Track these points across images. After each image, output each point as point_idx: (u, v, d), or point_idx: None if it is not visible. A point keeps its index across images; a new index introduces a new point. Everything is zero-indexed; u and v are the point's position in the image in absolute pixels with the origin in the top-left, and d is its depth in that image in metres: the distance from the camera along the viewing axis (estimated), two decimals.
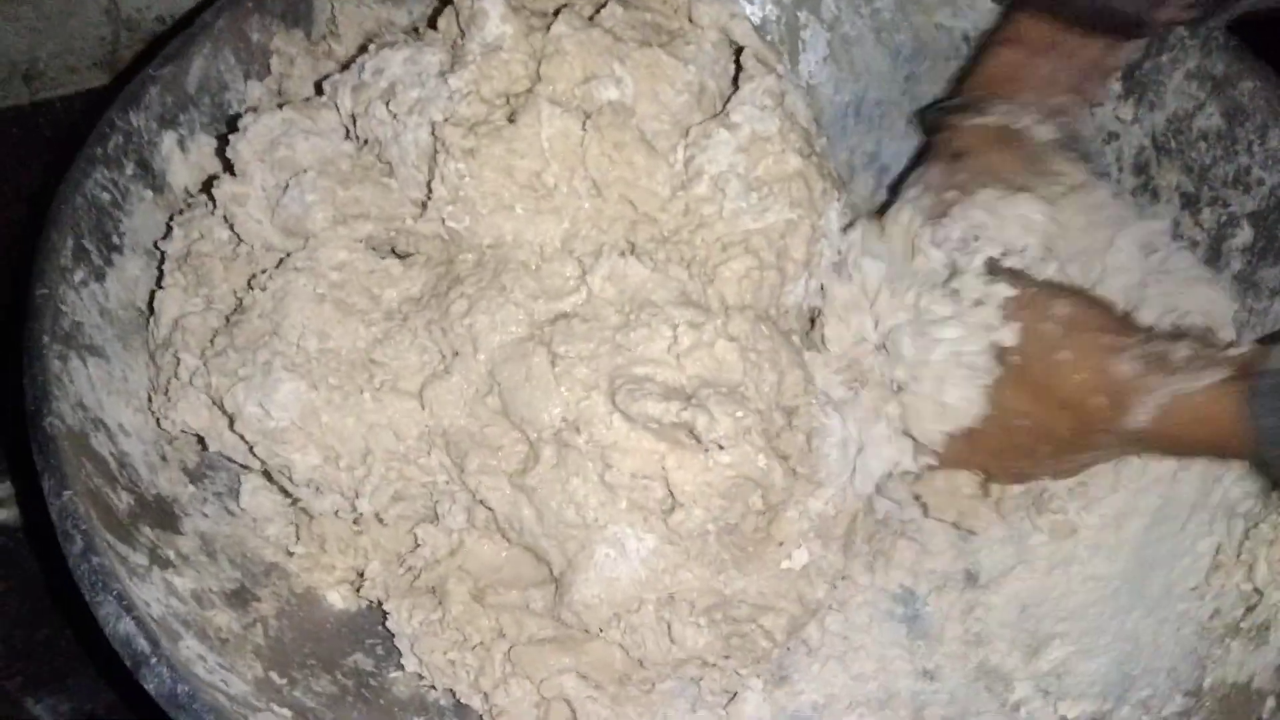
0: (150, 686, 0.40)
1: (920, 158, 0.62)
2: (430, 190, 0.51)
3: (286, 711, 0.46)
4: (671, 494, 0.49)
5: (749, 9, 0.79)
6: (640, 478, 0.49)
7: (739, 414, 0.47)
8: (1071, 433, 0.51)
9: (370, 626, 0.56)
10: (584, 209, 0.51)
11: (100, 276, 0.54)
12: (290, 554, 0.56)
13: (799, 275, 0.54)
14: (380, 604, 0.55)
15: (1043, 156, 0.57)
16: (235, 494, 0.56)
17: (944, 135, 0.59)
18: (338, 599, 0.56)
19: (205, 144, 0.60)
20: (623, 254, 0.50)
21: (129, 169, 0.56)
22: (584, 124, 0.50)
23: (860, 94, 0.80)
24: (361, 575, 0.56)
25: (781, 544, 0.52)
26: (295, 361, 0.50)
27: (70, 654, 0.64)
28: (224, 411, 0.49)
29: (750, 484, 0.49)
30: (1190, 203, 0.64)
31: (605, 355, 0.49)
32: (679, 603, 0.51)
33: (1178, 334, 0.51)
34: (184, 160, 0.59)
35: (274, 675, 0.49)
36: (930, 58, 0.78)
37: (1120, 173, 0.68)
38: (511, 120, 0.51)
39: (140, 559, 0.46)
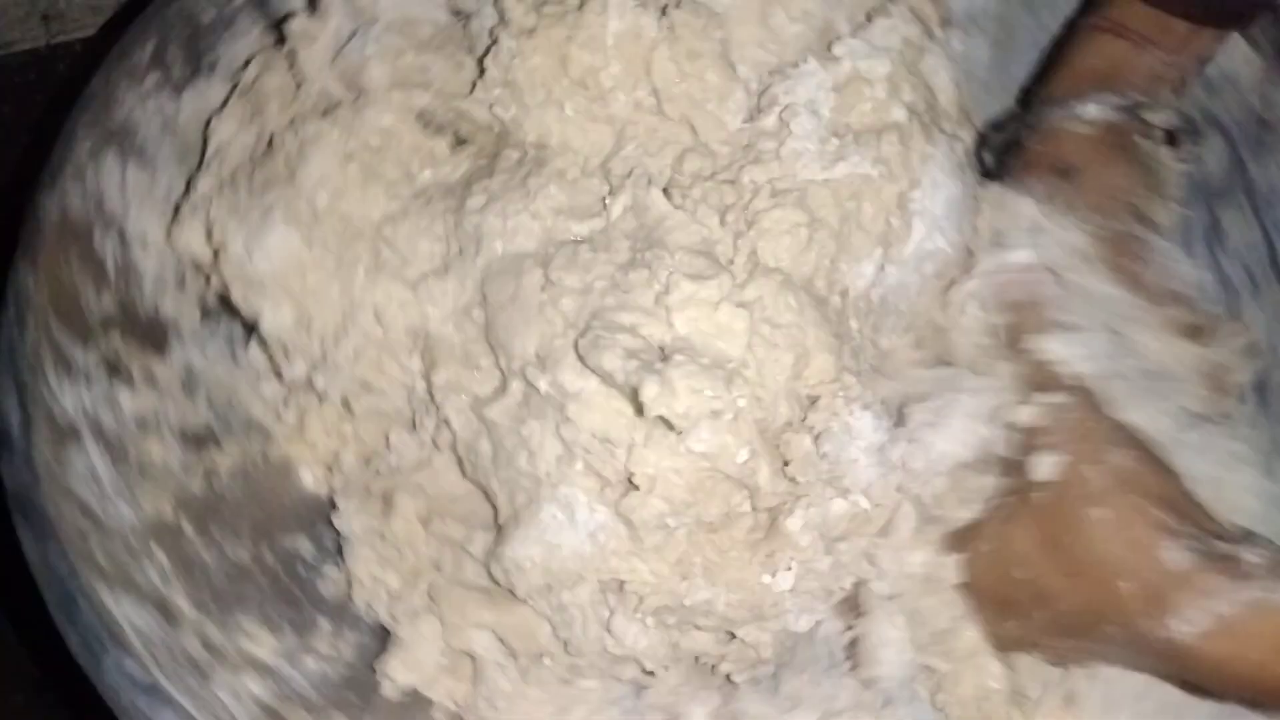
0: (3, 474, 0.38)
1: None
2: (483, 68, 0.46)
3: (164, 557, 0.43)
4: (632, 472, 0.42)
5: None
6: (602, 440, 0.42)
7: (708, 393, 0.39)
8: (1075, 610, 0.39)
9: (328, 515, 0.53)
10: (639, 124, 0.45)
11: (178, 89, 0.53)
12: (279, 419, 0.53)
13: (868, 251, 0.44)
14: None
15: (1155, 170, 0.45)
16: (245, 343, 0.54)
17: (1040, 144, 0.47)
18: (310, 478, 0.53)
19: None
20: (650, 182, 0.43)
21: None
22: (661, 27, 0.44)
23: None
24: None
25: (771, 555, 0.43)
26: (299, 212, 0.47)
27: None
28: (211, 244, 0.47)
29: (731, 482, 0.41)
30: None
31: (598, 292, 0.43)
32: (627, 594, 0.44)
33: (1247, 534, 0.38)
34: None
35: (185, 522, 0.46)
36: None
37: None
38: (582, 6, 0.45)
39: (87, 361, 0.45)
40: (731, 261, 0.42)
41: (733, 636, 0.44)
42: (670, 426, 0.40)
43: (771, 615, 0.44)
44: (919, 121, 0.44)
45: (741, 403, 0.40)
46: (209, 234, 0.47)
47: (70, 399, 0.43)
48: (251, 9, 0.56)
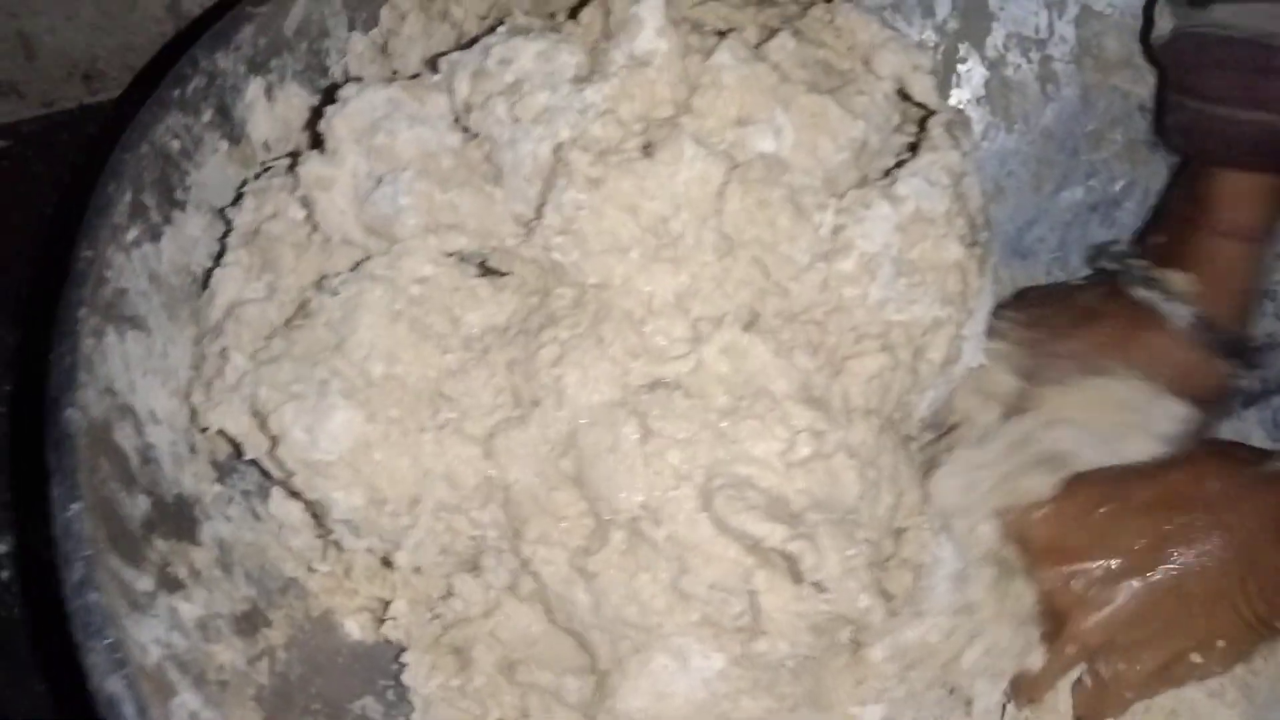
0: None
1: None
2: (540, 214, 0.44)
3: None
4: (756, 619, 0.43)
5: (905, 29, 0.71)
6: (719, 590, 0.43)
7: (850, 551, 0.41)
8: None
9: (385, 665, 0.51)
10: (709, 265, 0.45)
11: (156, 236, 0.47)
12: (312, 570, 0.50)
13: (932, 381, 0.47)
14: (401, 645, 0.49)
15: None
16: (265, 494, 0.50)
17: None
18: (355, 628, 0.51)
19: (294, 94, 0.54)
20: (745, 327, 0.44)
21: (206, 115, 0.50)
22: (728, 171, 0.43)
23: (1011, 146, 0.73)
24: (386, 606, 0.50)
25: (861, 683, 0.46)
26: (355, 385, 0.43)
27: None
28: (265, 429, 0.43)
29: (845, 620, 0.43)
30: None
31: (705, 443, 0.43)
32: None
33: None
34: (268, 110, 0.53)
35: None
36: (1098, 120, 0.71)
37: None
38: (647, 152, 0.44)
39: (146, 583, 0.41)
40: (830, 406, 0.43)
41: None
42: (821, 589, 0.41)
43: None
44: (974, 253, 0.46)
45: (865, 549, 0.42)
46: (260, 420, 0.43)
47: (149, 640, 0.39)
48: (215, 126, 0.51)
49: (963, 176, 0.46)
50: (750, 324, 0.45)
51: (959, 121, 0.48)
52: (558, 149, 0.44)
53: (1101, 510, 0.48)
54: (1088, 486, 0.49)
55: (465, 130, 0.48)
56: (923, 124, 0.47)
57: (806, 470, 0.42)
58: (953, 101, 0.71)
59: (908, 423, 0.48)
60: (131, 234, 0.46)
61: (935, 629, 0.49)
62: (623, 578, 0.44)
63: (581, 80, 0.45)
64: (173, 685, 0.39)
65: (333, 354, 0.44)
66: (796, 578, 0.41)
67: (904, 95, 0.50)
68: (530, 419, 0.45)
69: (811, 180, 0.46)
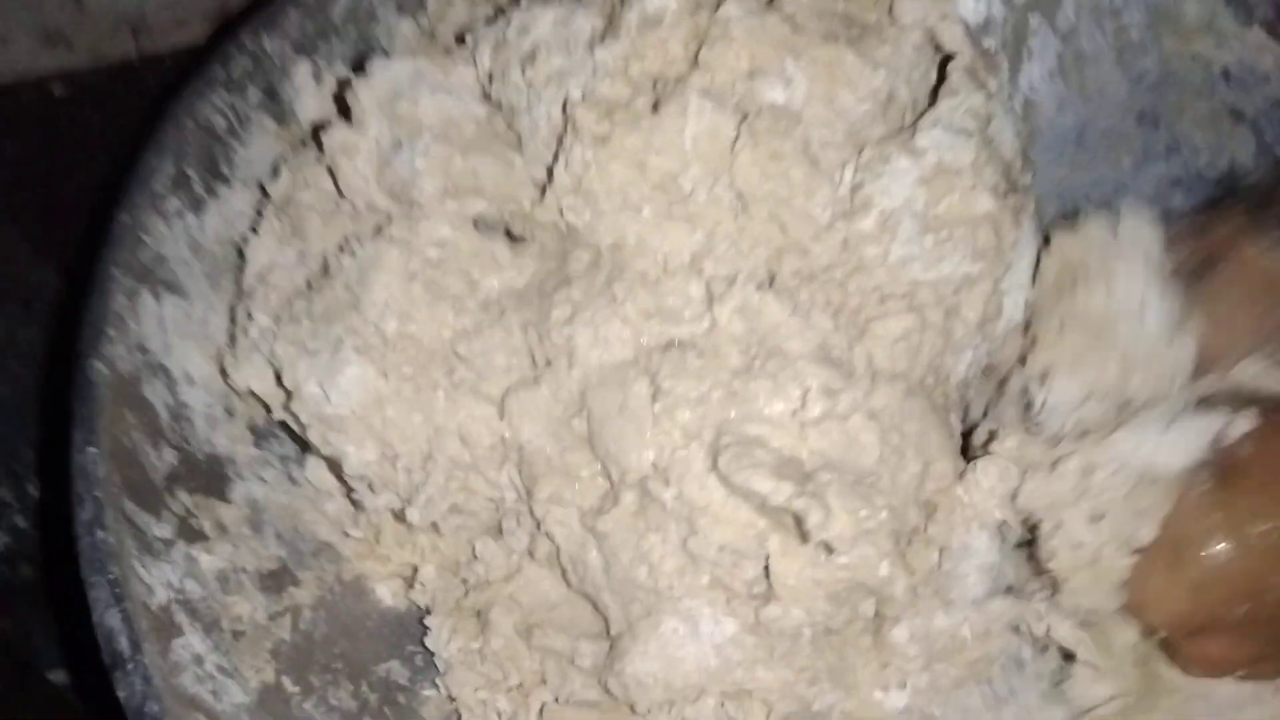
0: (121, 694, 0.36)
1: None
2: (551, 175, 0.44)
3: None
4: (769, 583, 0.41)
5: (972, 6, 0.69)
6: (730, 552, 0.42)
7: (863, 513, 0.39)
8: None
9: (415, 631, 0.51)
10: (723, 223, 0.44)
11: (199, 207, 0.50)
12: (346, 535, 0.51)
13: (969, 342, 0.45)
14: (427, 609, 0.50)
15: None
16: (302, 460, 0.52)
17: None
18: (387, 594, 0.52)
19: (343, 76, 0.56)
20: (760, 286, 0.42)
21: (253, 96, 0.52)
22: (739, 125, 0.43)
23: (1086, 119, 0.69)
24: (416, 572, 0.51)
25: (885, 666, 0.43)
26: (369, 343, 0.44)
27: None
28: (282, 385, 0.44)
29: (865, 590, 0.41)
30: None
31: (717, 402, 0.42)
32: (753, 702, 0.44)
33: None
34: (317, 92, 0.54)
35: (286, 681, 0.44)
36: (1177, 90, 0.67)
37: None
38: (655, 109, 0.43)
39: (164, 531, 0.42)
40: (852, 368, 0.42)
41: None
42: (828, 548, 0.39)
43: None
44: (1008, 203, 0.43)
45: (883, 515, 0.40)
46: (277, 375, 0.45)
47: (159, 583, 0.41)
48: (263, 107, 0.53)
49: (990, 120, 0.44)
50: (766, 283, 0.44)
51: (984, 63, 0.46)
52: (566, 108, 0.44)
53: None
54: None
55: (489, 100, 0.49)
56: (943, 69, 0.45)
57: (820, 430, 0.41)
58: (1023, 78, 0.68)
59: (944, 387, 0.46)
60: (173, 203, 0.48)
61: (968, 624, 0.46)
62: (632, 538, 0.43)
63: (596, 42, 0.45)
64: (179, 627, 0.40)
65: (349, 313, 0.45)
66: (804, 537, 0.40)
67: (938, 48, 0.48)
68: (543, 379, 0.45)
69: (832, 134, 0.44)
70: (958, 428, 0.47)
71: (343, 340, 0.44)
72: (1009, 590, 0.45)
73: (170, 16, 0.72)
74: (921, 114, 0.44)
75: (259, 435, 0.51)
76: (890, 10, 0.46)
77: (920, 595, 0.43)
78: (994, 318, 0.45)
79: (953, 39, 0.45)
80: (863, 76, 0.44)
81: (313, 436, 0.45)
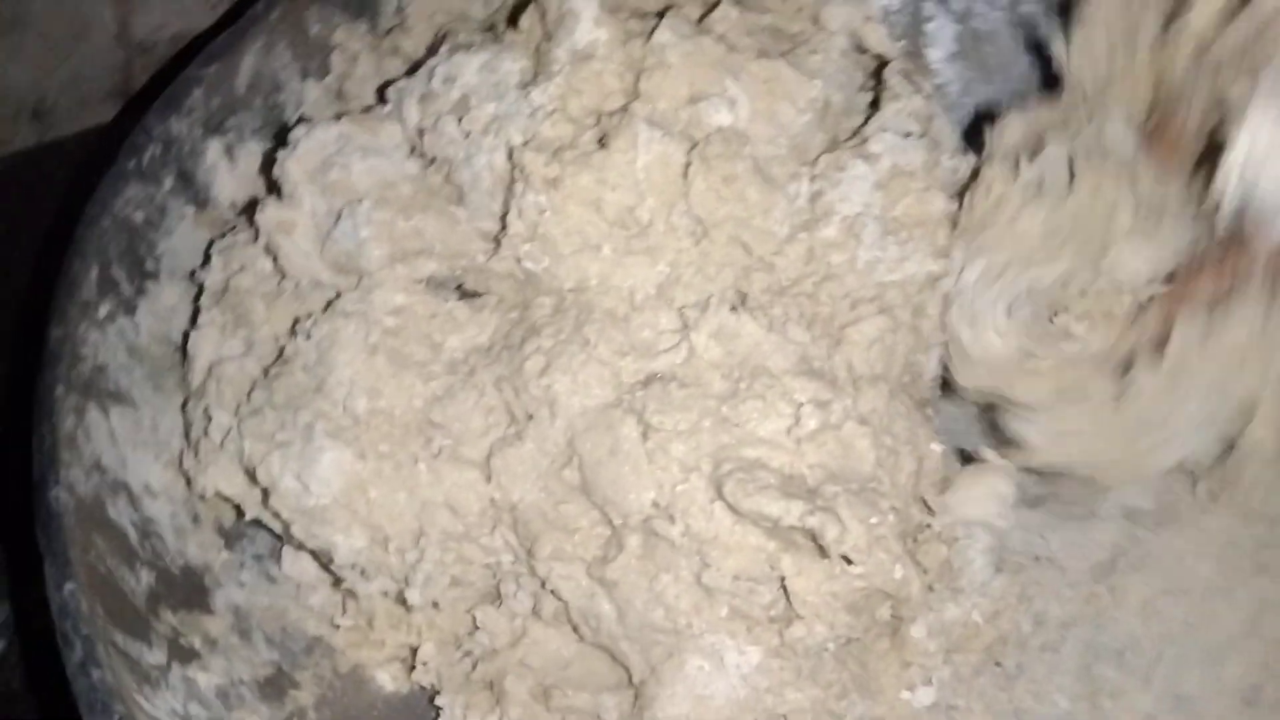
0: None
1: None
2: (504, 224, 0.43)
3: None
4: (789, 604, 0.41)
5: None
6: (745, 580, 0.41)
7: (873, 519, 0.39)
8: None
9: (423, 712, 0.49)
10: (686, 251, 0.43)
11: (130, 309, 0.47)
12: (336, 626, 0.49)
13: (937, 338, 0.45)
14: (434, 690, 0.48)
15: None
16: (277, 555, 0.49)
17: None
18: (388, 679, 0.50)
19: (256, 152, 0.53)
20: (734, 308, 0.42)
21: (167, 183, 0.50)
22: (689, 152, 0.42)
23: (991, 97, 0.71)
24: (415, 652, 0.49)
25: (908, 666, 0.43)
26: (341, 425, 0.42)
27: None
28: (256, 483, 0.42)
29: (882, 595, 0.41)
30: None
31: (708, 430, 0.41)
32: None
33: None
34: (231, 171, 0.52)
35: None
36: None
37: None
38: (602, 144, 0.42)
39: (157, 657, 0.40)
40: (835, 376, 0.42)
41: None
42: (847, 561, 0.39)
43: None
44: (956, 204, 0.44)
45: (891, 519, 0.40)
46: (250, 473, 0.42)
47: (164, 712, 0.38)
48: (178, 193, 0.50)
49: (931, 120, 0.45)
50: (738, 304, 0.43)
51: (915, 66, 0.47)
52: (512, 155, 0.43)
53: None
54: None
55: (422, 156, 0.48)
56: (878, 76, 0.46)
57: (817, 444, 0.41)
58: (928, 61, 0.70)
59: (919, 385, 0.47)
60: (104, 309, 0.46)
61: (977, 609, 0.47)
62: (644, 582, 0.42)
63: (528, 84, 0.44)
64: None
65: (314, 396, 0.43)
66: (822, 553, 0.39)
67: (861, 50, 0.48)
68: (526, 434, 0.43)
69: (777, 149, 0.45)
70: (935, 423, 0.47)
71: (313, 426, 0.42)
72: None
73: (72, 98, 0.69)
74: (867, 119, 0.44)
75: (228, 537, 0.48)
76: (815, 19, 0.46)
77: (933, 590, 0.43)
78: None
79: (877, 41, 0.46)
80: (800, 88, 0.44)
81: (296, 532, 0.43)
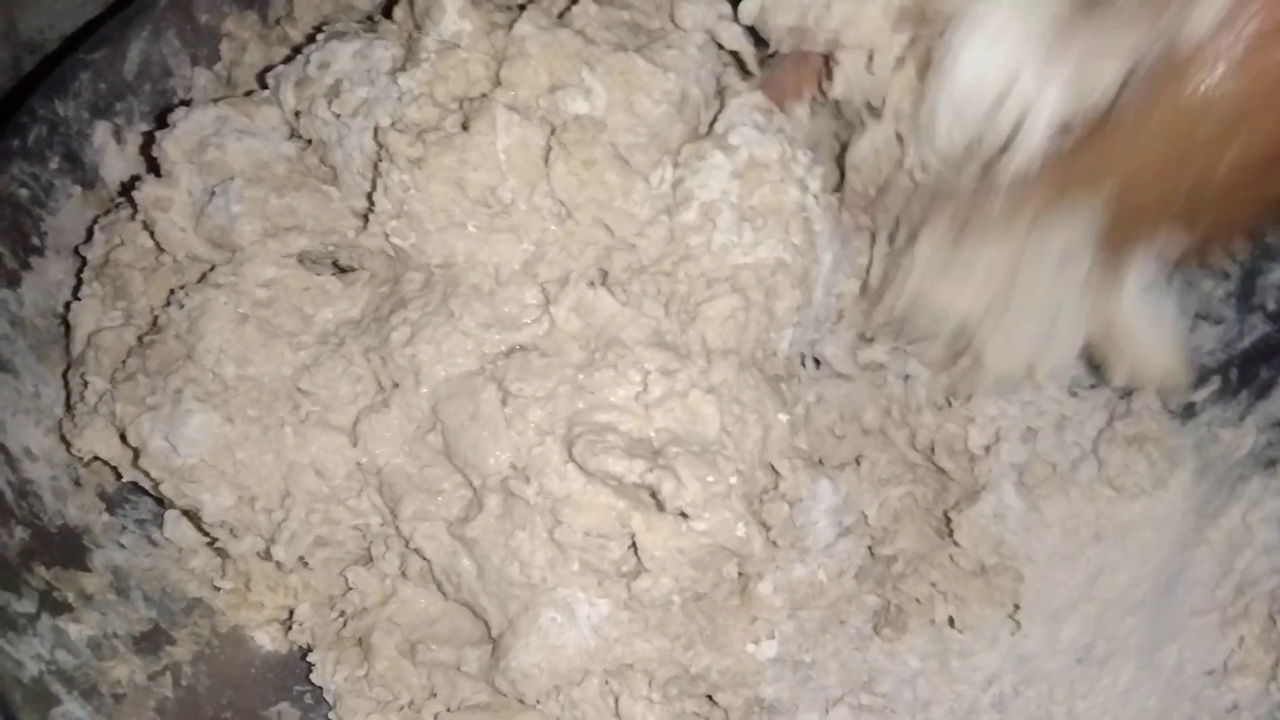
0: None
1: None
2: (372, 202, 0.46)
3: None
4: (638, 559, 0.44)
5: None
6: (595, 536, 0.44)
7: (710, 478, 0.42)
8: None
9: (300, 671, 0.51)
10: (550, 230, 0.46)
11: (14, 281, 0.49)
12: (216, 589, 0.51)
13: (789, 320, 0.48)
14: (309, 648, 0.50)
15: None
16: (160, 520, 0.51)
17: None
18: (266, 639, 0.52)
19: (147, 131, 0.55)
20: (592, 284, 0.45)
21: (53, 162, 0.51)
22: (548, 136, 0.45)
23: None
24: (292, 613, 0.51)
25: (754, 621, 0.47)
26: (209, 390, 0.45)
27: None
28: (128, 444, 0.44)
29: (726, 552, 0.44)
30: None
31: (564, 397, 0.44)
32: (635, 674, 0.46)
33: None
34: (120, 153, 0.54)
35: None
36: None
37: None
38: (465, 127, 0.45)
39: (25, 606, 0.42)
40: (688, 349, 0.45)
41: (712, 703, 0.47)
42: (684, 515, 0.42)
43: (752, 683, 0.48)
44: (815, 199, 0.47)
45: (733, 480, 0.43)
46: (122, 435, 0.44)
47: (27, 657, 0.40)
48: (65, 173, 0.52)
49: (772, 112, 0.48)
50: (598, 280, 0.46)
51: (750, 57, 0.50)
52: (378, 136, 0.45)
53: None
54: None
55: (300, 138, 0.50)
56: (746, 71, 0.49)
57: (664, 409, 0.43)
58: None
59: (773, 361, 0.49)
60: None
61: (823, 569, 0.50)
62: (501, 539, 0.45)
63: (397, 70, 0.47)
64: (55, 696, 0.40)
65: (184, 363, 0.45)
66: (660, 507, 0.42)
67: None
68: (392, 401, 0.46)
69: (636, 138, 0.47)
70: (791, 397, 0.50)
71: (182, 391, 0.44)
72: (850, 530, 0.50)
73: None
74: (718, 111, 0.47)
75: (111, 502, 0.50)
76: (671, 16, 0.49)
77: (779, 549, 0.46)
78: (807, 302, 0.48)
79: (731, 37, 0.49)
80: (655, 80, 0.47)
81: (166, 490, 0.45)
